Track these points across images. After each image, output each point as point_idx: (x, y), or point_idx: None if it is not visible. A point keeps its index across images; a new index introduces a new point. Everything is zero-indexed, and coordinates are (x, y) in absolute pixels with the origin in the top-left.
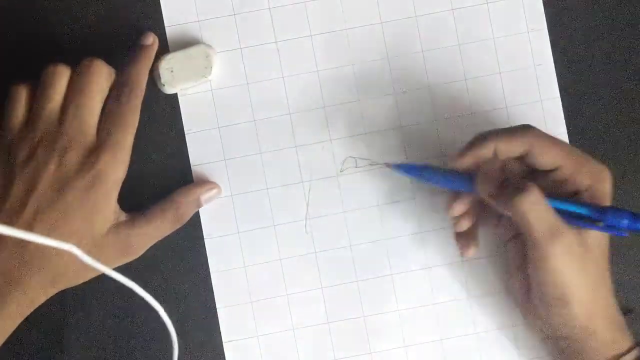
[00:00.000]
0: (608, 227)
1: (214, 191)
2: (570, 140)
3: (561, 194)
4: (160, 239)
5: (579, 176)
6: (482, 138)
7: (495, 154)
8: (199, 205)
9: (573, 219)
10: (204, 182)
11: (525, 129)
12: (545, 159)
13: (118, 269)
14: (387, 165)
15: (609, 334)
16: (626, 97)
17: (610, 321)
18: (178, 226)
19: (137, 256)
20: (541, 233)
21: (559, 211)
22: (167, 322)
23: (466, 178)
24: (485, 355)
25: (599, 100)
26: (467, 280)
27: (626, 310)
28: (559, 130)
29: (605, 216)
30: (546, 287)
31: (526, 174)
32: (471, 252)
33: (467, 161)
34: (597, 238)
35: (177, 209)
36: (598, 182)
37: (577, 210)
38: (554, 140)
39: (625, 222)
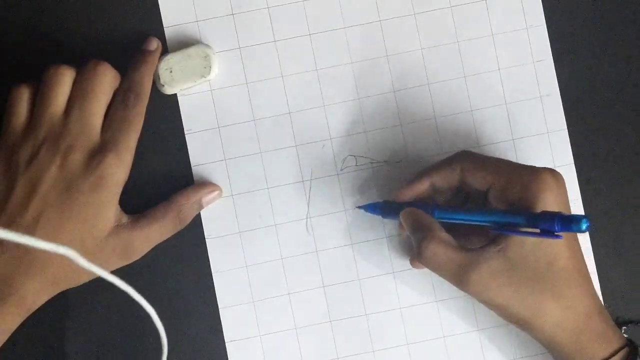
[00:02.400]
0: (545, 233)
1: (215, 193)
2: (570, 137)
3: (505, 207)
4: (161, 241)
5: (510, 189)
6: (417, 176)
7: (433, 187)
8: (201, 207)
9: (514, 231)
10: (205, 184)
11: (455, 156)
12: (476, 181)
13: (118, 270)
14: (356, 207)
15: (576, 345)
16: (626, 92)
17: (578, 331)
18: (180, 228)
19: (138, 258)
20: (453, 279)
21: (498, 224)
22: (159, 326)
23: (420, 206)
24: (487, 352)
25: (598, 96)
26: None
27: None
28: (559, 126)
29: (537, 222)
30: (499, 316)
31: (477, 199)
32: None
33: (406, 195)
34: (529, 245)
35: (178, 211)
36: (529, 191)
37: (513, 220)
38: (482, 162)
39: (557, 226)
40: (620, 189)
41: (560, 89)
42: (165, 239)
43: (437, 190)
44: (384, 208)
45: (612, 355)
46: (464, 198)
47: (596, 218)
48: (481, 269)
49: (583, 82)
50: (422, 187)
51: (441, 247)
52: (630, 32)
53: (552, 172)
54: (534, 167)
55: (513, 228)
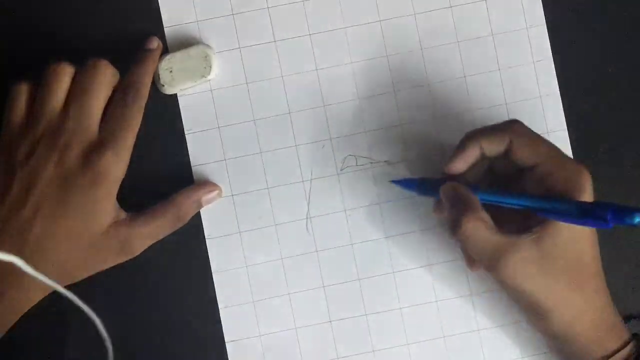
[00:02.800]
0: (594, 222)
1: (215, 192)
2: (570, 137)
3: (541, 192)
4: (159, 238)
5: (558, 174)
6: (467, 139)
7: (483, 154)
8: (200, 206)
9: (557, 216)
10: (205, 183)
11: (508, 125)
12: (524, 155)
13: (117, 268)
14: (389, 181)
15: (592, 336)
16: (626, 92)
17: (595, 323)
18: (178, 226)
19: (136, 255)
20: (486, 258)
21: (546, 210)
22: (103, 334)
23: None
24: (487, 352)
25: (598, 96)
26: (469, 277)
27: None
28: (559, 126)
29: (590, 211)
30: (518, 303)
31: (513, 173)
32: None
33: (458, 166)
34: (562, 238)
35: (177, 210)
36: (577, 181)
37: (563, 207)
38: (534, 138)
39: (610, 216)
40: (620, 189)
41: (560, 89)
42: (163, 236)
43: (482, 162)
44: (421, 185)
45: (623, 346)
46: (493, 180)
47: None
48: (515, 255)
49: (583, 82)
50: (472, 155)
51: (481, 226)
52: (630, 31)
53: (589, 175)
54: (579, 163)
55: (557, 214)
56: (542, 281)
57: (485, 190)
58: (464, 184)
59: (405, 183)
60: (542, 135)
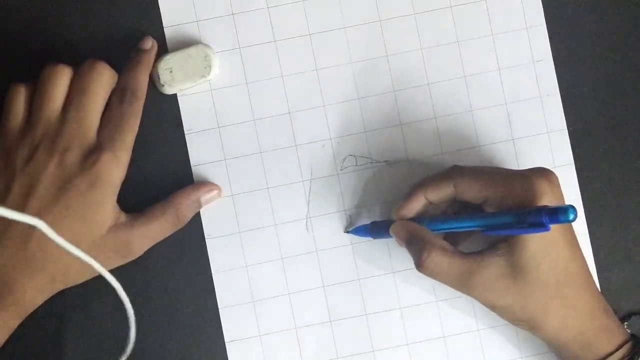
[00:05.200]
0: (535, 227)
1: (214, 192)
2: (570, 137)
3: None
4: (159, 239)
5: (506, 201)
6: (411, 193)
7: (428, 202)
8: (199, 206)
9: (503, 230)
10: (204, 183)
11: (446, 172)
12: (471, 196)
13: (118, 268)
14: (345, 231)
15: (581, 341)
16: (626, 92)
17: (582, 328)
18: (179, 227)
19: (136, 257)
20: (457, 285)
21: (490, 227)
22: (132, 331)
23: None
24: (487, 352)
25: (598, 95)
26: None
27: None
28: (559, 126)
29: (526, 218)
30: (503, 316)
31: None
32: None
33: (405, 214)
34: (530, 250)
35: (177, 210)
36: (524, 200)
37: (502, 220)
38: (474, 175)
39: (545, 219)
40: (620, 189)
41: (560, 89)
42: (163, 237)
43: (431, 205)
44: (373, 230)
45: (617, 349)
46: (460, 207)
47: (596, 218)
48: (483, 274)
49: (583, 82)
50: (418, 204)
51: (442, 256)
52: (630, 31)
53: (545, 175)
54: (527, 173)
55: (505, 228)
56: (516, 295)
57: (433, 219)
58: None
59: (359, 231)
60: (542, 134)
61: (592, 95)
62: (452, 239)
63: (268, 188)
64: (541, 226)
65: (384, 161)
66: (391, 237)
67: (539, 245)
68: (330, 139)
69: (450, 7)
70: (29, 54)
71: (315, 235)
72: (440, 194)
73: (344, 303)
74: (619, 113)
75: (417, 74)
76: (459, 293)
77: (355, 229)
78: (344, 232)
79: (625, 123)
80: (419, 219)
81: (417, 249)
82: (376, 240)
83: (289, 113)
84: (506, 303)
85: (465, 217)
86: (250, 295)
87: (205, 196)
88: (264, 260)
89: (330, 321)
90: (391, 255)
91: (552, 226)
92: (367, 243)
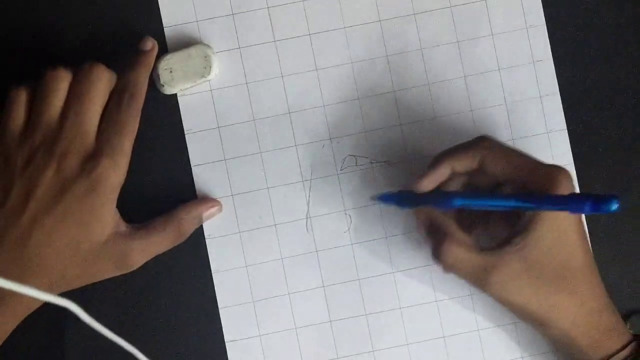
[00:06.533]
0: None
1: (216, 208)
2: (570, 137)
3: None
4: (158, 253)
5: (533, 183)
6: (437, 160)
7: (453, 172)
8: (201, 221)
9: (542, 206)
10: (206, 199)
11: (477, 143)
12: (497, 170)
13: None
14: (372, 198)
15: (590, 338)
16: (626, 92)
17: (592, 325)
18: (180, 241)
19: (132, 269)
20: (474, 280)
21: (525, 208)
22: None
23: (441, 195)
24: (487, 351)
25: (598, 96)
26: None
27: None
28: (559, 126)
29: (567, 204)
30: (514, 314)
31: (490, 186)
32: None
33: (427, 185)
34: (546, 244)
35: (179, 225)
36: (551, 185)
37: (541, 204)
38: (504, 152)
39: (588, 207)
40: (620, 188)
41: (560, 89)
42: (162, 251)
43: (453, 178)
44: (400, 199)
45: (623, 348)
46: (476, 186)
47: (596, 218)
48: (501, 271)
49: (583, 82)
50: (442, 175)
51: (461, 250)
52: (630, 31)
53: (565, 172)
54: (553, 165)
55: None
56: (532, 292)
57: (465, 195)
58: (442, 192)
59: (385, 198)
60: (542, 134)
61: (592, 95)
62: (467, 226)
63: (268, 188)
64: (581, 210)
65: (384, 161)
66: (418, 206)
67: (553, 242)
68: (330, 139)
69: (450, 7)
70: (28, 54)
71: (315, 235)
72: (467, 164)
73: (344, 303)
74: (619, 113)
75: (417, 74)
76: (459, 293)
77: (382, 195)
78: (370, 198)
79: (625, 123)
80: (451, 194)
81: (437, 239)
82: (376, 241)
83: (289, 113)
84: (523, 300)
85: (499, 195)
86: (250, 295)
87: (207, 212)
88: (264, 260)
89: (330, 321)
90: (391, 256)
91: (567, 220)
92: (367, 243)
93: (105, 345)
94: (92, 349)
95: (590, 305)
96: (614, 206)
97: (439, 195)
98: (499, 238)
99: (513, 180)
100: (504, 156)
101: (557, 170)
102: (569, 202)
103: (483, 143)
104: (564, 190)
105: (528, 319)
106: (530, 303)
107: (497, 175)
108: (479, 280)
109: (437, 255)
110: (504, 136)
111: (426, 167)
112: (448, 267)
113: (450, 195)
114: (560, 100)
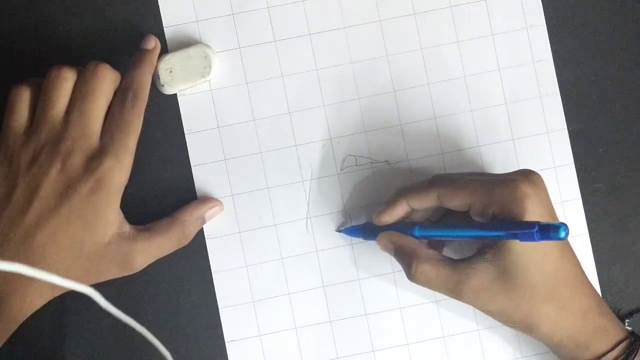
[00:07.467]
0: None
1: (217, 208)
2: (570, 137)
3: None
4: (161, 256)
5: (490, 207)
6: (394, 200)
7: (411, 210)
8: (203, 222)
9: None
10: (207, 199)
11: (429, 183)
12: (454, 204)
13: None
14: (337, 230)
15: (576, 341)
16: (626, 92)
17: (576, 329)
18: (183, 244)
19: (135, 271)
20: (449, 293)
21: (480, 238)
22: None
23: (400, 227)
24: (487, 352)
25: (598, 96)
26: None
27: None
28: (559, 126)
29: (517, 234)
30: (497, 319)
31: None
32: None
33: (386, 219)
34: (516, 254)
35: (182, 228)
36: (508, 206)
37: (493, 234)
38: (456, 186)
39: (537, 236)
40: (620, 189)
41: (560, 89)
42: (166, 254)
43: (415, 212)
44: (365, 231)
45: (613, 347)
46: (445, 212)
47: (596, 218)
48: (472, 281)
49: (583, 82)
50: (400, 210)
51: (431, 267)
52: (630, 31)
53: (528, 178)
54: (510, 177)
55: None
56: (506, 299)
57: (423, 226)
58: (402, 224)
59: (350, 231)
60: (542, 134)
61: (592, 95)
62: (438, 241)
63: (268, 188)
64: (532, 240)
65: (384, 161)
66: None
67: (526, 250)
68: (330, 139)
69: (450, 7)
70: (29, 54)
71: (315, 235)
72: (423, 202)
73: (344, 303)
74: (619, 113)
75: (417, 74)
76: None
77: (347, 229)
78: (336, 231)
79: (625, 123)
80: (409, 224)
81: (406, 261)
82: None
83: (289, 113)
84: (498, 307)
85: (456, 226)
86: (250, 295)
87: (209, 212)
88: (264, 260)
89: (330, 321)
90: (391, 256)
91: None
92: (367, 243)
93: (106, 345)
94: (92, 346)
95: (572, 309)
96: (562, 234)
97: (399, 227)
98: (473, 248)
99: (475, 208)
100: (457, 189)
101: (516, 181)
102: (519, 234)
103: (435, 181)
104: (528, 199)
105: (511, 324)
106: (506, 310)
107: (458, 208)
108: (452, 291)
109: (409, 275)
110: (504, 136)
111: (385, 202)
112: (420, 284)
113: (410, 227)
114: (560, 100)
